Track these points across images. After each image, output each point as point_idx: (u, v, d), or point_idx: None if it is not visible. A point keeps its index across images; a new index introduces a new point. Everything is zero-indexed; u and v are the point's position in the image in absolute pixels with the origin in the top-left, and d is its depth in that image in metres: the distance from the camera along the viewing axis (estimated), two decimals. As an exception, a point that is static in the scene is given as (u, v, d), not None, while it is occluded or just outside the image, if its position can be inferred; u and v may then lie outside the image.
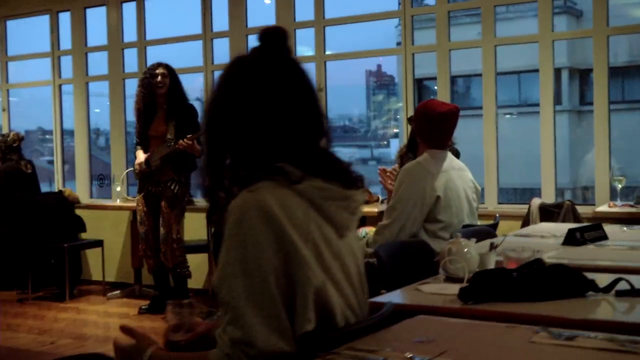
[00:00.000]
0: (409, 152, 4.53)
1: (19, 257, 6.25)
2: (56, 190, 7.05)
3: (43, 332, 5.08)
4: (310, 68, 5.90)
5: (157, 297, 5.54)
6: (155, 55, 6.68)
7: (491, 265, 2.21)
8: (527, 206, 4.71)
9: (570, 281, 1.90)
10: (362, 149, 16.61)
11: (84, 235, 6.62)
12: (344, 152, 13.92)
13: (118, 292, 6.26)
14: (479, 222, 3.64)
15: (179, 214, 5.39)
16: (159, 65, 5.35)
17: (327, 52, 5.87)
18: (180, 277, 5.39)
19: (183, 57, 6.68)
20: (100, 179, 7.07)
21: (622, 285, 1.89)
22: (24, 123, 7.75)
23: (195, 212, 5.63)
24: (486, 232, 3.23)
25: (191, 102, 5.49)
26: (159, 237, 5.35)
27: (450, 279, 2.15)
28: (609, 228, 3.14)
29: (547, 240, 3.02)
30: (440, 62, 5.36)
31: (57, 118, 7.20)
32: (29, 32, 7.58)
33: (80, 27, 6.95)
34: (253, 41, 1.64)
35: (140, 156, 5.40)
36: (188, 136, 5.14)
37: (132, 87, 6.41)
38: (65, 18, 7.08)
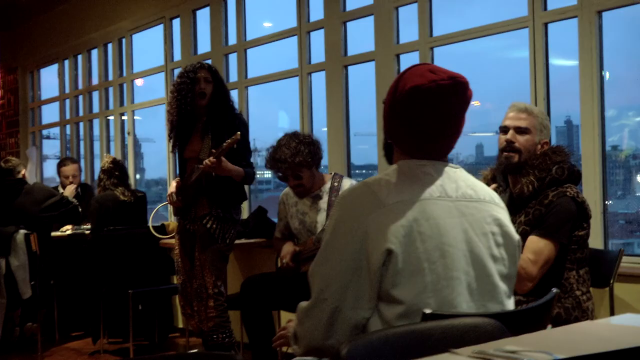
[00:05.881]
0: (496, 178, 2.72)
1: (92, 301, 5.39)
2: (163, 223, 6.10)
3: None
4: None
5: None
6: (253, 59, 5.49)
7: None
8: None
9: None
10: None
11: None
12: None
13: (196, 351, 5.05)
14: (510, 305, 1.71)
15: (216, 260, 3.97)
16: (201, 66, 4.05)
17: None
18: (217, 346, 3.97)
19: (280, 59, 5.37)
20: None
21: None
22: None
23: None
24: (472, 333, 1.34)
25: (238, 112, 4.11)
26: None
27: None
28: None
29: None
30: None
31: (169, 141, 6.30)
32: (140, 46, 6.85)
33: (188, 34, 6.01)
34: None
35: (172, 185, 4.16)
36: (213, 151, 3.79)
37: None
38: (176, 26, 6.21)
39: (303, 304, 1.75)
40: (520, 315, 1.63)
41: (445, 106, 1.67)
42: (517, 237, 1.75)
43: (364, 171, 6.15)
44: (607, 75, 3.65)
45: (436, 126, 1.69)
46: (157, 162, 7.25)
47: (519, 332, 1.42)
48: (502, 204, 1.79)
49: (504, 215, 1.76)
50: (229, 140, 3.67)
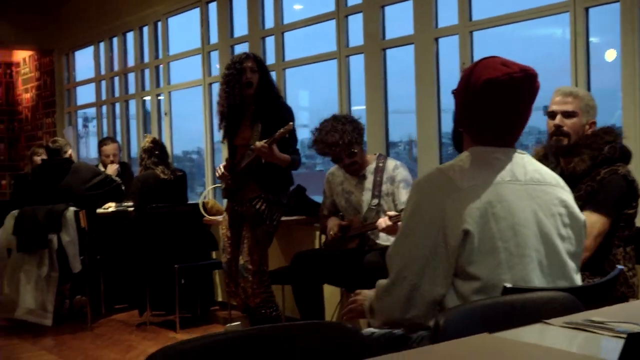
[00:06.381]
0: (548, 155, 2.87)
1: (137, 276, 5.62)
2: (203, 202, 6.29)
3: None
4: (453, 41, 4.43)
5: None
6: (290, 42, 5.63)
7: None
8: None
9: None
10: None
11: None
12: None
13: (239, 323, 5.27)
14: (578, 280, 1.88)
15: (263, 240, 4.22)
16: (247, 57, 4.25)
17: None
18: (266, 319, 4.21)
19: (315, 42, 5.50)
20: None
21: None
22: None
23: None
24: (546, 305, 1.52)
25: (283, 100, 4.35)
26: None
27: None
28: None
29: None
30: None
31: (207, 121, 6.49)
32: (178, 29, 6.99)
33: (225, 18, 6.16)
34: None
35: (222, 166, 4.38)
36: (265, 141, 3.97)
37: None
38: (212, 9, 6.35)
39: (382, 281, 1.91)
40: (590, 290, 1.79)
41: (518, 97, 1.82)
42: (582, 217, 1.91)
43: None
44: (615, 54, 3.78)
45: (508, 116, 1.85)
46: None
47: (590, 306, 1.58)
48: (567, 187, 1.95)
49: (568, 197, 1.91)
50: (282, 130, 3.87)
